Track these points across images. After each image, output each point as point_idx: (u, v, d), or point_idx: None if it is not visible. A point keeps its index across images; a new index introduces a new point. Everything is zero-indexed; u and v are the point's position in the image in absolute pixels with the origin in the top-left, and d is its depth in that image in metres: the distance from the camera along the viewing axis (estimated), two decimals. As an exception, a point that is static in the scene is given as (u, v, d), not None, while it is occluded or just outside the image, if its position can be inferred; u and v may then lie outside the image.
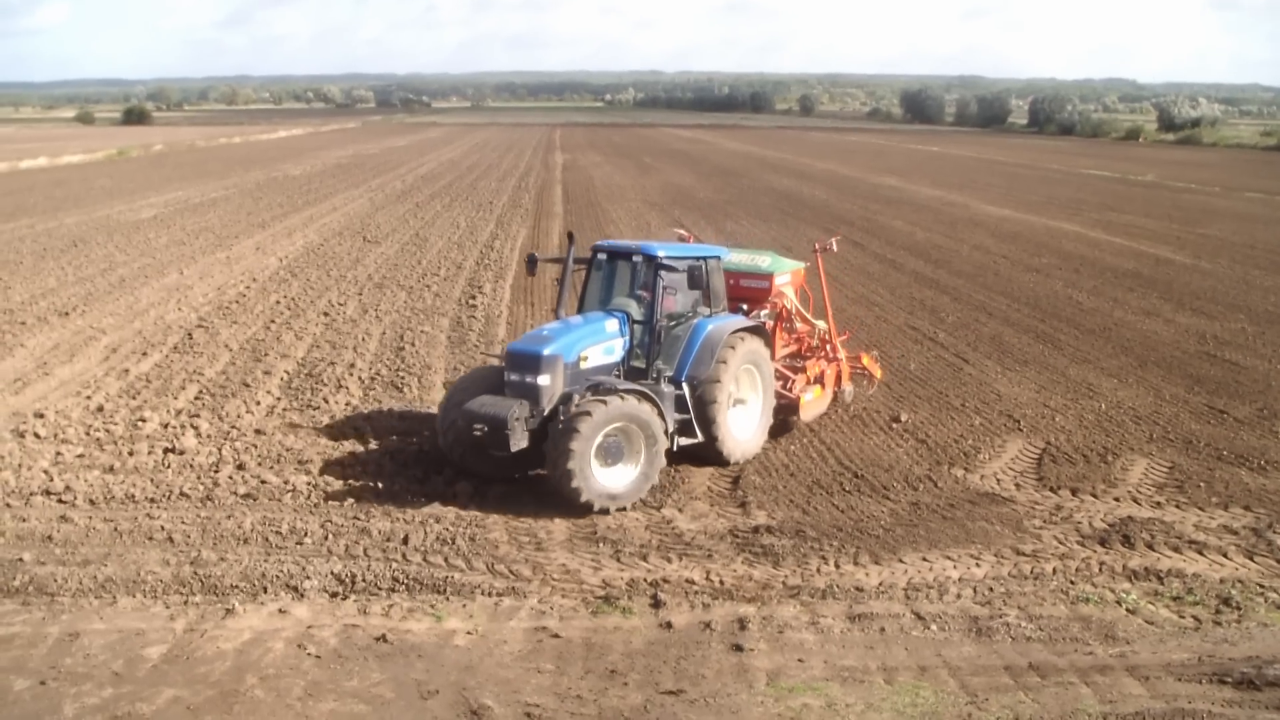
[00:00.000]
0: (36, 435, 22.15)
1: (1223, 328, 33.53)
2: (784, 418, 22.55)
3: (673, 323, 20.89)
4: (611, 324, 20.29)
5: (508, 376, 19.34)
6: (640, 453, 18.67)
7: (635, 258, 20.94)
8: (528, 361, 19.10)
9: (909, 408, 24.73)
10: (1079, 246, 51.33)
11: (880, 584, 15.92)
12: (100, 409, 24.02)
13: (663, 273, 20.15)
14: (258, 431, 22.40)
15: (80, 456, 21.04)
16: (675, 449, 19.86)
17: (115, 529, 17.66)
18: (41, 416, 23.27)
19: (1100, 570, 16.42)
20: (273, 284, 40.18)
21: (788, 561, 16.63)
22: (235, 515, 18.14)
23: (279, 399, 24.83)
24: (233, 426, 22.73)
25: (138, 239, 52.13)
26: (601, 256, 21.46)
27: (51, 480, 19.68)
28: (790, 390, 22.68)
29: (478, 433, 18.45)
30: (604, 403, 18.15)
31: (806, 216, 62.88)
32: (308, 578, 15.88)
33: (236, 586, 15.71)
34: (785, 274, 23.80)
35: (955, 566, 16.50)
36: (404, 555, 16.70)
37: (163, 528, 17.69)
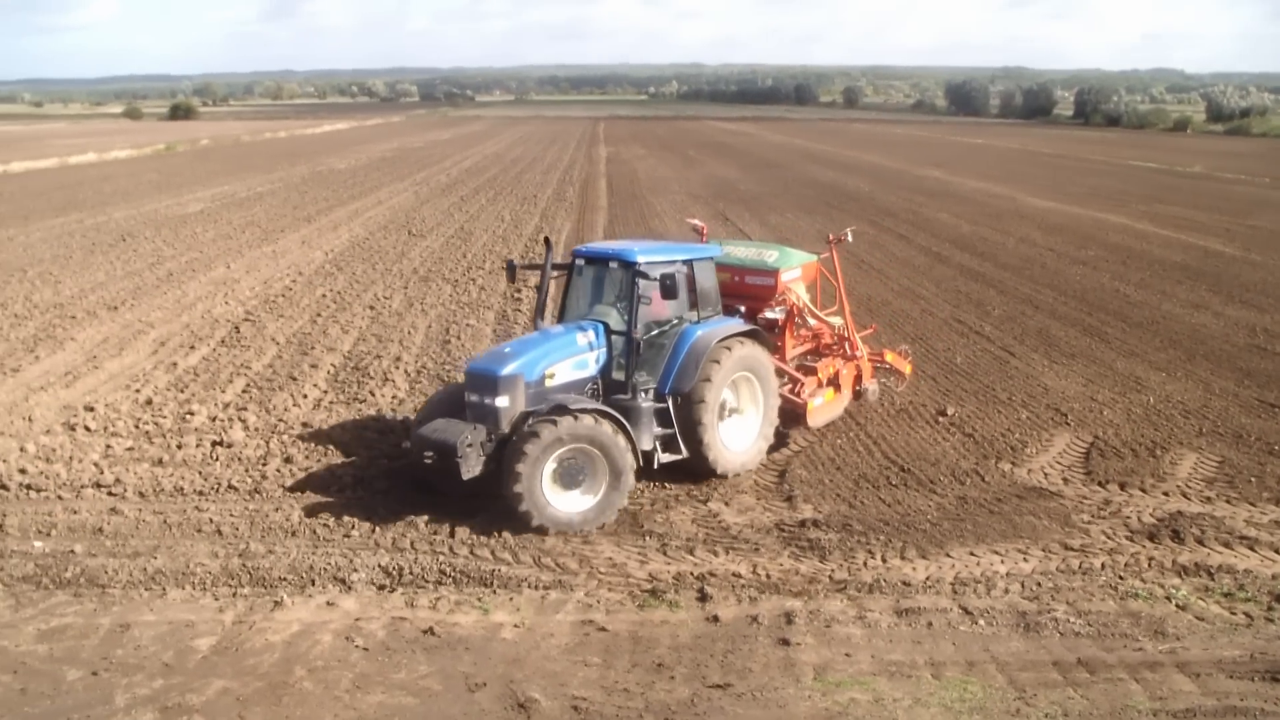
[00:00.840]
0: (87, 428, 22.34)
1: (1273, 320, 33.18)
2: (786, 427, 21.73)
3: (655, 331, 19.74)
4: (585, 336, 19.21)
5: (467, 397, 18.37)
6: (603, 476, 17.67)
7: (611, 263, 19.76)
8: (485, 382, 18.13)
9: (955, 401, 24.60)
10: (1126, 239, 50.96)
11: (927, 578, 15.86)
12: (149, 402, 24.20)
13: (639, 279, 18.90)
14: (305, 424, 22.50)
15: (130, 449, 21.21)
16: (657, 466, 19.13)
17: (164, 521, 17.83)
18: (91, 410, 23.47)
19: (1149, 565, 16.30)
20: (319, 278, 40.38)
21: (834, 555, 16.60)
22: (283, 508, 18.27)
23: (326, 392, 24.94)
24: (280, 419, 22.85)
25: (185, 233, 52.50)
26: (580, 262, 20.31)
27: (102, 473, 19.85)
28: (799, 394, 21.71)
29: (428, 460, 17.69)
30: (552, 424, 17.18)
31: (851, 209, 62.66)
32: (355, 570, 15.97)
33: (285, 579, 15.82)
34: (793, 269, 22.57)
35: (1003, 561, 16.42)
36: (451, 548, 16.77)
37: (211, 520, 17.84)
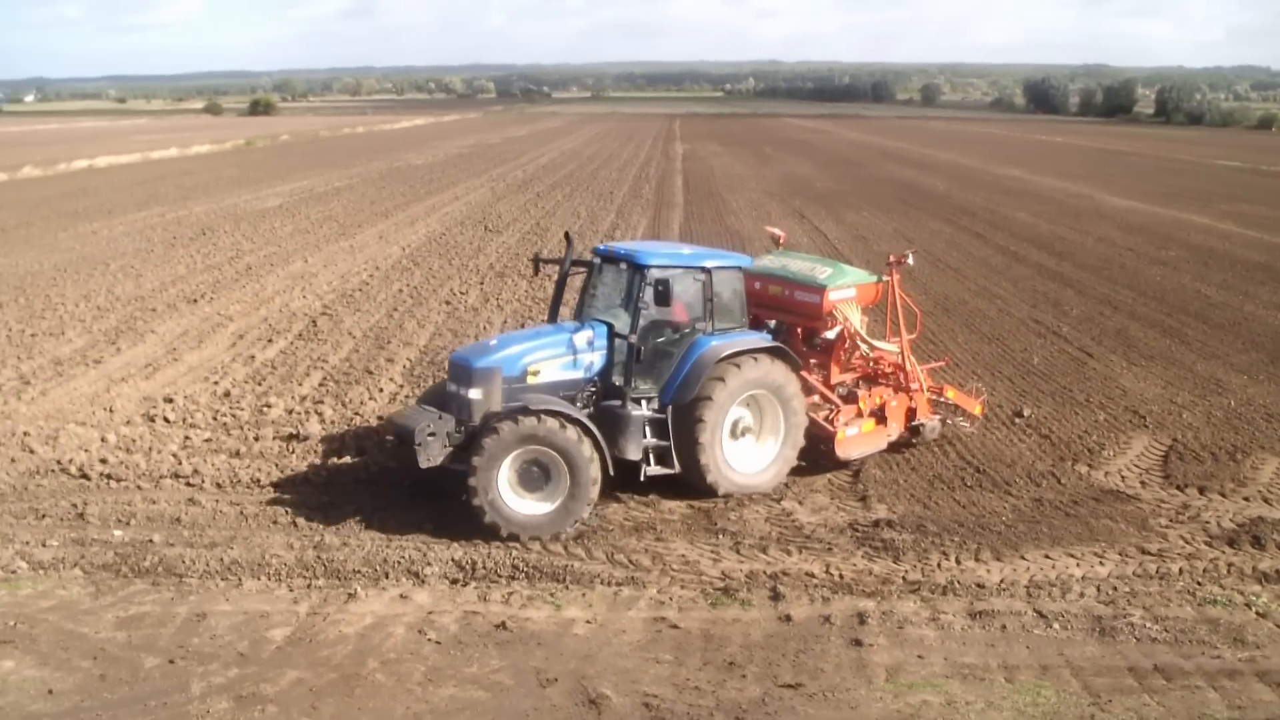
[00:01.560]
0: (166, 419, 22.62)
1: (1359, 323, 32.60)
2: (820, 455, 20.28)
3: (662, 338, 19.01)
4: (582, 336, 18.65)
5: (447, 387, 18.35)
6: (564, 483, 17.21)
7: (622, 264, 19.20)
8: (462, 372, 18.00)
9: (1032, 402, 24.36)
10: (1208, 239, 50.26)
11: (1002, 581, 15.73)
12: (227, 394, 24.47)
13: (644, 283, 18.30)
14: (380, 418, 22.61)
15: (208, 441, 21.47)
16: (644, 478, 18.44)
17: (241, 512, 18.07)
18: (171, 401, 23.76)
19: (1229, 571, 16.07)
20: (395, 272, 40.65)
21: (908, 556, 16.51)
22: (357, 500, 18.43)
23: (401, 386, 25.08)
24: (356, 413, 23.00)
25: (264, 228, 53.08)
26: (598, 261, 19.80)
27: (180, 464, 20.11)
28: (833, 421, 20.32)
29: (390, 444, 17.61)
30: (510, 424, 16.92)
31: (928, 208, 62.30)
32: (429, 564, 16.10)
33: (359, 571, 15.97)
34: (844, 288, 20.88)
35: (1078, 564, 16.26)
36: (524, 543, 16.83)
37: (287, 512, 18.07)
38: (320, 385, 25.25)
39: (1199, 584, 15.66)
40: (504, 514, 16.96)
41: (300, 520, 17.77)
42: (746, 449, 19.26)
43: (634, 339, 18.28)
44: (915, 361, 21.82)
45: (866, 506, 18.63)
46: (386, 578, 15.82)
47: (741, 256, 20.28)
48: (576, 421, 17.26)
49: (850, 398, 21.11)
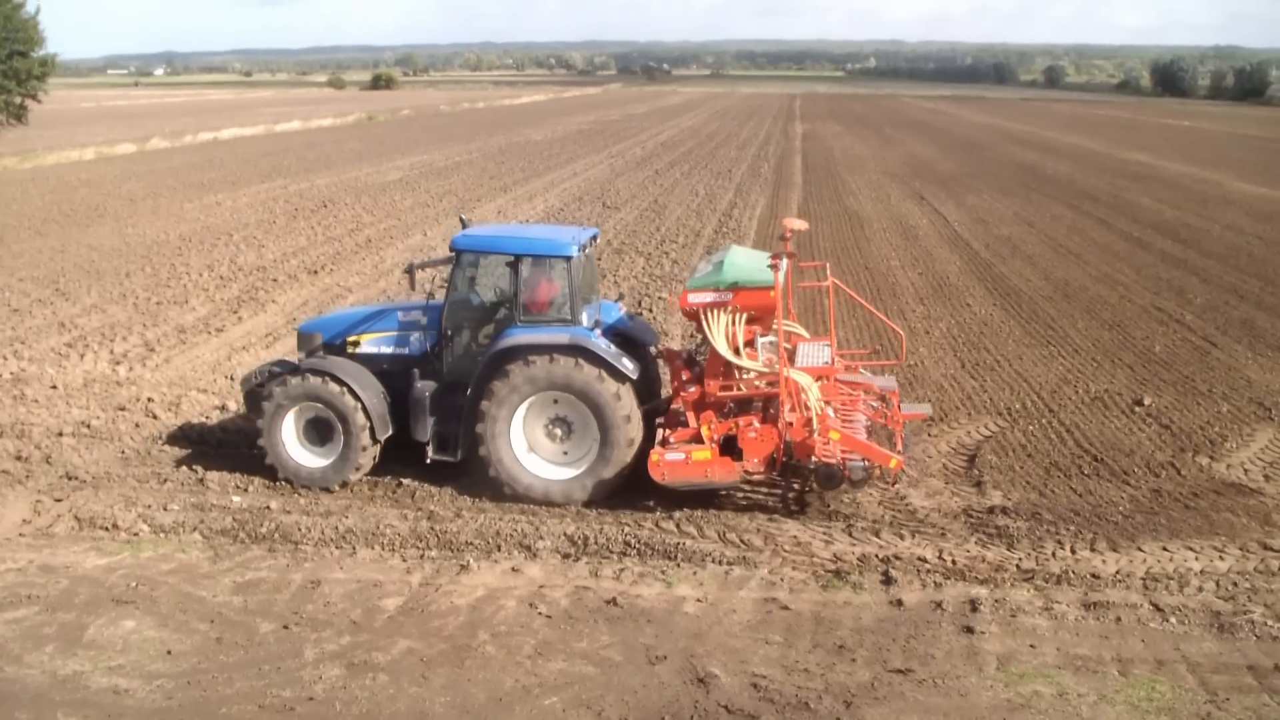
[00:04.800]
0: (286, 389, 22.98)
1: None
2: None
3: (475, 324, 18.81)
4: (413, 315, 19.14)
5: None
6: (339, 438, 18.11)
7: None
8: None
9: (1153, 391, 23.92)
10: (1342, 228, 48.88)
11: (1117, 572, 15.46)
12: (346, 365, 24.77)
13: (458, 266, 18.50)
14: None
15: (327, 411, 21.78)
16: (429, 461, 18.41)
17: (356, 482, 18.39)
18: (291, 371, 24.13)
19: (1356, 570, 15.67)
20: (513, 247, 40.71)
21: (1022, 544, 16.31)
22: (471, 473, 18.53)
23: (517, 361, 25.19)
24: (472, 387, 23.16)
25: (384, 201, 53.77)
26: None
27: (298, 433, 20.44)
28: (667, 440, 17.77)
29: None
30: (282, 383, 18.23)
31: (1050, 191, 61.30)
32: (541, 538, 16.23)
33: (471, 543, 16.18)
34: (708, 290, 17.81)
35: (1197, 558, 15.93)
36: (636, 520, 16.94)
37: (401, 483, 18.35)
38: (437, 358, 25.46)
39: (1323, 582, 15.29)
40: (289, 464, 18.46)
41: (414, 491, 18.08)
42: (553, 454, 18.32)
43: (424, 320, 19.06)
44: (808, 389, 17.80)
45: (981, 492, 18.42)
46: (499, 550, 16.00)
47: (565, 246, 18.23)
48: (349, 388, 17.98)
49: (705, 419, 18.00)
